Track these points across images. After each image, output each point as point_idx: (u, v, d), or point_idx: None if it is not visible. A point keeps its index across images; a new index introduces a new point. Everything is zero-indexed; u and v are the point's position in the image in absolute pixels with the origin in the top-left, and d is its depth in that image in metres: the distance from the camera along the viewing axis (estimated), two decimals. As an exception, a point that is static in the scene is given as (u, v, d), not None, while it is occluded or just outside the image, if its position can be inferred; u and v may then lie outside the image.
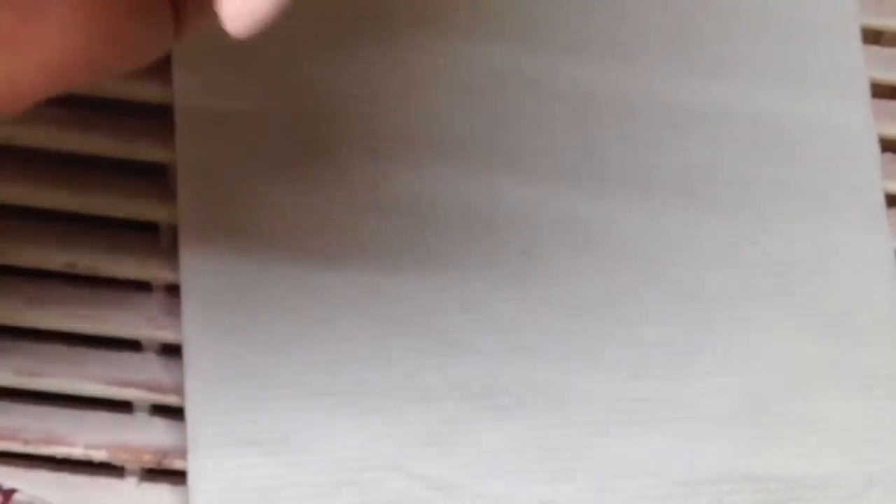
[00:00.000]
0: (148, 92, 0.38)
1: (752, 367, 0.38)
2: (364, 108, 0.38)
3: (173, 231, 0.37)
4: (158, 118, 0.38)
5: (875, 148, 0.41)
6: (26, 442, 0.36)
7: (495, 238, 0.38)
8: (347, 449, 0.35)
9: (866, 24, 0.42)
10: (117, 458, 0.36)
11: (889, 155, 0.41)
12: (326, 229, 0.37)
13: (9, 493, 0.35)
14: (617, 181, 0.39)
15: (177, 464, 0.36)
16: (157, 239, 0.37)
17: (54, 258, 0.37)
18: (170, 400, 0.36)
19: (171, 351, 0.37)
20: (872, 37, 0.42)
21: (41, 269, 0.37)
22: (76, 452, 0.36)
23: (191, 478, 0.35)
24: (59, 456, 0.36)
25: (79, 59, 0.27)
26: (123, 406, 0.36)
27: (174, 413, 0.36)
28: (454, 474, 0.36)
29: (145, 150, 0.38)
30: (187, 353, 0.36)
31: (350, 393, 0.36)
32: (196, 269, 0.36)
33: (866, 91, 0.41)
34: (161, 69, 0.38)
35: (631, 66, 0.40)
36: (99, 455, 0.36)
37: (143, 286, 0.37)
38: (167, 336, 0.37)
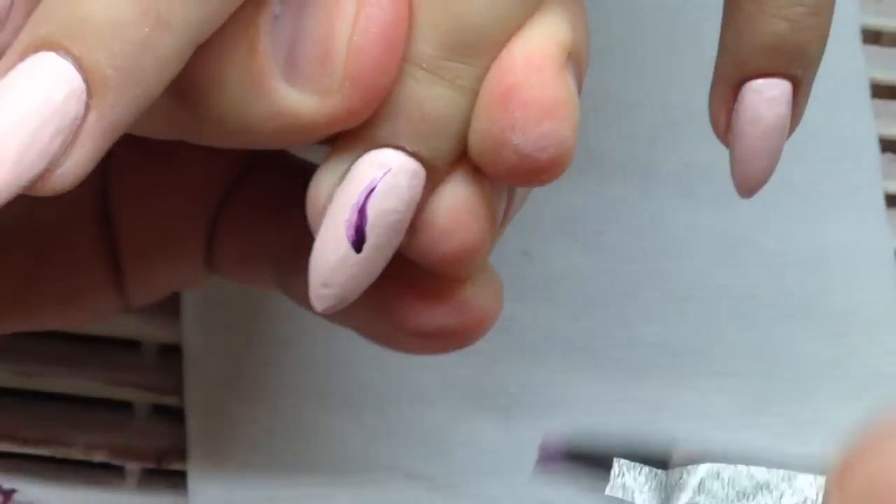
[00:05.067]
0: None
1: (752, 367, 0.38)
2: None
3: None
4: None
5: (875, 148, 0.41)
6: (25, 442, 0.35)
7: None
8: (347, 449, 0.35)
9: (865, 24, 0.42)
10: (117, 459, 0.36)
11: (889, 155, 0.41)
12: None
13: (9, 493, 0.35)
14: (617, 181, 0.39)
15: (176, 464, 0.36)
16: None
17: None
18: (169, 400, 0.36)
19: (171, 351, 0.37)
20: (872, 37, 0.42)
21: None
22: (76, 453, 0.35)
23: (190, 478, 0.35)
24: (58, 456, 0.35)
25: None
26: (123, 406, 0.36)
27: (174, 413, 0.36)
28: (454, 474, 0.36)
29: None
30: (187, 353, 0.36)
31: (350, 393, 0.36)
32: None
33: (866, 91, 0.41)
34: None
35: (630, 66, 0.40)
36: (98, 455, 0.36)
37: (142, 286, 0.37)
38: (167, 336, 0.37)
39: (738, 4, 0.26)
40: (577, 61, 0.24)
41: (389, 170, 0.23)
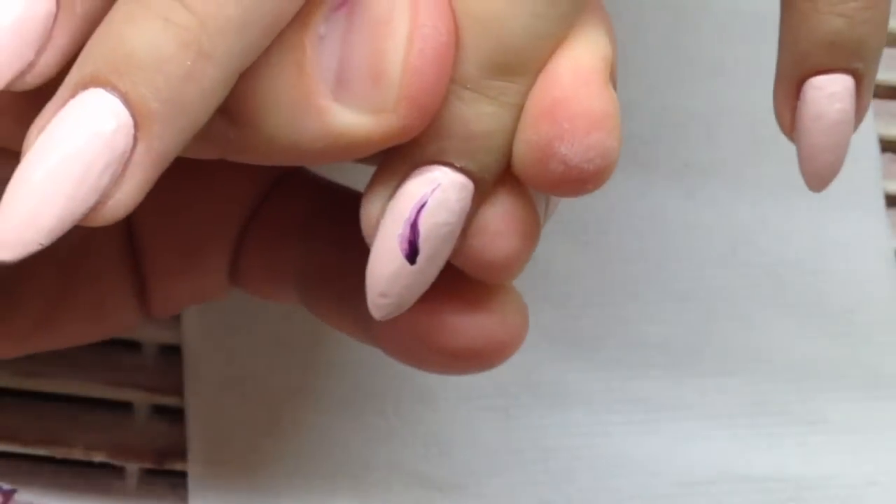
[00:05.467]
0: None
1: (752, 367, 0.38)
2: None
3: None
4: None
5: (875, 148, 0.41)
6: (25, 442, 0.35)
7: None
8: (348, 449, 0.35)
9: (865, 24, 0.42)
10: (117, 459, 0.36)
11: (889, 155, 0.41)
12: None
13: (9, 494, 0.35)
14: (617, 181, 0.39)
15: (176, 465, 0.36)
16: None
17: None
18: (169, 401, 0.36)
19: (171, 351, 0.37)
20: (872, 37, 0.42)
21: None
22: (76, 453, 0.35)
23: (190, 479, 0.35)
24: (58, 456, 0.35)
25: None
26: (123, 407, 0.36)
27: (174, 414, 0.36)
28: (454, 474, 0.36)
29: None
30: (187, 353, 0.36)
31: (350, 394, 0.36)
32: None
33: (866, 91, 0.41)
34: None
35: (631, 66, 0.40)
36: (98, 455, 0.35)
37: (142, 286, 0.37)
38: (167, 336, 0.37)
39: (793, 3, 0.26)
40: (614, 74, 0.25)
41: (439, 185, 0.24)
